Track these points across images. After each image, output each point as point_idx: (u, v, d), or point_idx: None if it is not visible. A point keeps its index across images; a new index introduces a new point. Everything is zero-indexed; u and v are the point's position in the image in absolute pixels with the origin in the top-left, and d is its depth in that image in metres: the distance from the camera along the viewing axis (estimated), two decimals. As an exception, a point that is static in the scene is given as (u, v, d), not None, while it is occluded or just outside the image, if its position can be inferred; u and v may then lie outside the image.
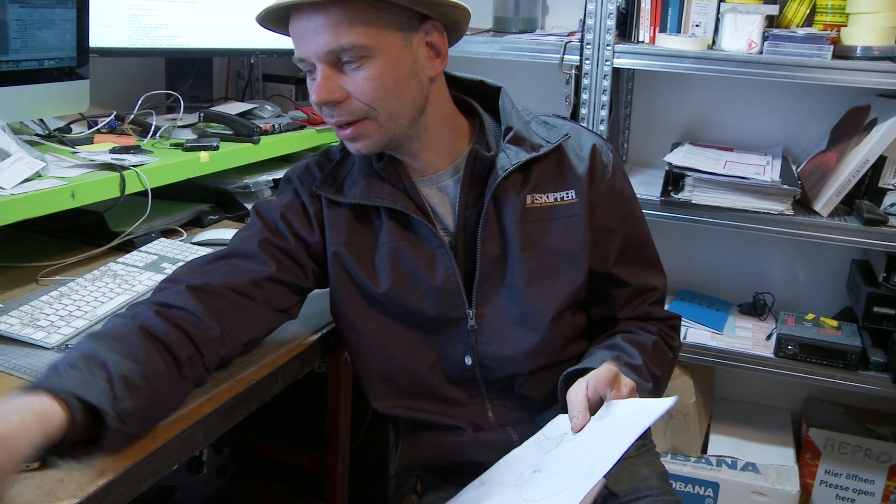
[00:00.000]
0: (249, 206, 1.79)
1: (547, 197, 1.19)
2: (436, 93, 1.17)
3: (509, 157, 1.17)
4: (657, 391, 1.19)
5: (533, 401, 1.25)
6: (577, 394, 1.03)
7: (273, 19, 1.12)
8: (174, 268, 1.45)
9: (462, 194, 1.19)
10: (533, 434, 1.12)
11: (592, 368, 1.08)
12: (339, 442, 1.65)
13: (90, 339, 0.99)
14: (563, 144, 1.21)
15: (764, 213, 1.96)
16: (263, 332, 1.20)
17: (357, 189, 1.20)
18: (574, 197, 1.20)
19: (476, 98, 1.26)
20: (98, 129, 1.70)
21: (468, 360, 1.22)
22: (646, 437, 1.43)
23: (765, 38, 1.94)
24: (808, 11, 2.09)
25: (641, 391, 1.09)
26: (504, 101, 1.24)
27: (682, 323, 2.19)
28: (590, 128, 2.05)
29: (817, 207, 1.98)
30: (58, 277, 1.45)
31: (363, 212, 1.22)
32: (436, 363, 1.24)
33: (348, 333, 1.26)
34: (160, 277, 1.40)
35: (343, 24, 1.04)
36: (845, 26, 1.96)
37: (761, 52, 1.94)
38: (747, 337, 2.17)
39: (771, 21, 2.06)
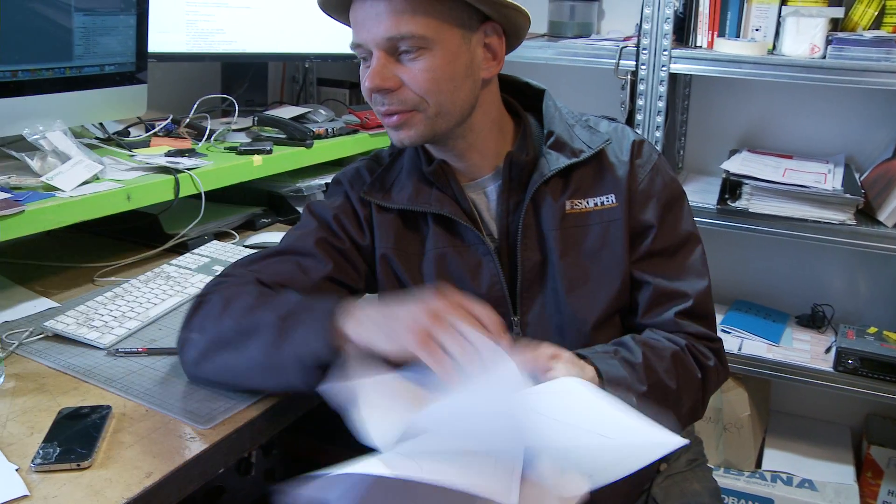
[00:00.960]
0: (302, 210, 1.81)
1: (587, 202, 1.17)
2: (487, 95, 1.15)
3: (549, 163, 1.15)
4: (660, 403, 1.04)
5: None
6: (543, 351, 0.96)
7: (334, 5, 1.12)
8: (226, 271, 1.47)
9: (502, 200, 1.17)
10: None
11: (582, 356, 1.02)
12: (386, 447, 1.64)
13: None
14: (605, 149, 1.18)
15: (824, 222, 1.90)
16: None
17: (405, 194, 1.19)
18: (614, 201, 1.17)
19: (521, 99, 1.24)
20: (155, 133, 1.73)
21: None
22: (697, 451, 1.39)
23: (828, 41, 1.88)
24: (875, 13, 2.01)
25: (618, 388, 0.99)
26: (548, 104, 1.21)
27: (737, 333, 2.17)
28: (643, 133, 2.01)
29: (881, 217, 1.91)
30: (113, 278, 1.48)
31: (411, 217, 1.21)
32: None
33: None
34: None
35: (406, 13, 1.03)
36: (916, 29, 1.90)
37: (824, 57, 1.88)
38: (805, 350, 2.11)
39: (835, 24, 2.00)
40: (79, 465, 0.92)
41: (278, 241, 1.57)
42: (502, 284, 1.17)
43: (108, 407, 1.03)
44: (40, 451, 0.94)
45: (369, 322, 0.95)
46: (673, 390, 1.07)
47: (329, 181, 1.88)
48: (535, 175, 1.16)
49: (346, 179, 1.26)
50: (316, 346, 0.96)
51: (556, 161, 1.15)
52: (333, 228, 1.21)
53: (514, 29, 1.14)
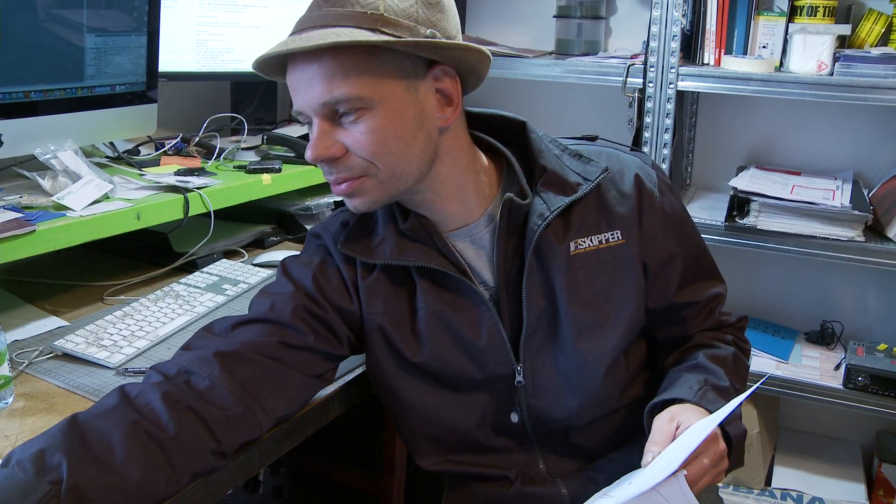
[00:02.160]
0: (310, 228, 1.82)
1: (591, 240, 1.10)
2: (451, 143, 1.06)
3: (547, 203, 1.08)
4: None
5: (588, 449, 1.19)
6: (665, 426, 1.01)
7: (272, 68, 1.03)
8: (235, 289, 1.48)
9: (500, 246, 1.10)
10: (584, 487, 1.09)
11: (681, 399, 1.04)
12: (395, 465, 1.64)
13: (68, 423, 0.89)
14: (602, 180, 1.11)
15: (833, 239, 1.90)
16: (299, 403, 1.09)
17: (386, 248, 1.10)
18: (621, 237, 1.11)
19: (496, 134, 1.15)
20: (164, 151, 1.74)
21: (514, 417, 1.15)
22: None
23: (836, 59, 1.88)
24: (882, 30, 2.02)
25: (731, 422, 1.04)
26: (532, 137, 1.13)
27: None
28: (651, 151, 2.01)
29: (891, 234, 1.91)
30: (122, 297, 1.48)
31: (396, 273, 1.12)
32: (483, 420, 1.16)
33: (390, 400, 1.18)
34: (221, 299, 1.43)
35: (337, 75, 0.95)
36: (922, 46, 1.90)
37: (832, 74, 1.89)
38: (814, 367, 2.10)
39: (842, 41, 2.01)
40: None
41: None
42: (502, 333, 1.11)
43: None
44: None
45: None
46: (739, 390, 1.13)
47: (338, 199, 1.90)
48: (533, 218, 1.08)
49: (329, 235, 1.15)
50: None
51: (554, 200, 1.08)
52: (312, 294, 1.09)
53: (468, 68, 1.04)
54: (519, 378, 1.13)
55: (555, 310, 1.11)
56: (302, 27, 0.99)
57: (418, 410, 1.16)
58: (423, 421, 1.17)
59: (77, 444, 0.86)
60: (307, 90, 0.97)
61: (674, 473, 0.92)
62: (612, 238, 1.11)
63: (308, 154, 1.00)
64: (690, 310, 1.19)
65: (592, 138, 1.23)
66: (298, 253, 1.19)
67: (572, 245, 1.09)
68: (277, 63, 1.02)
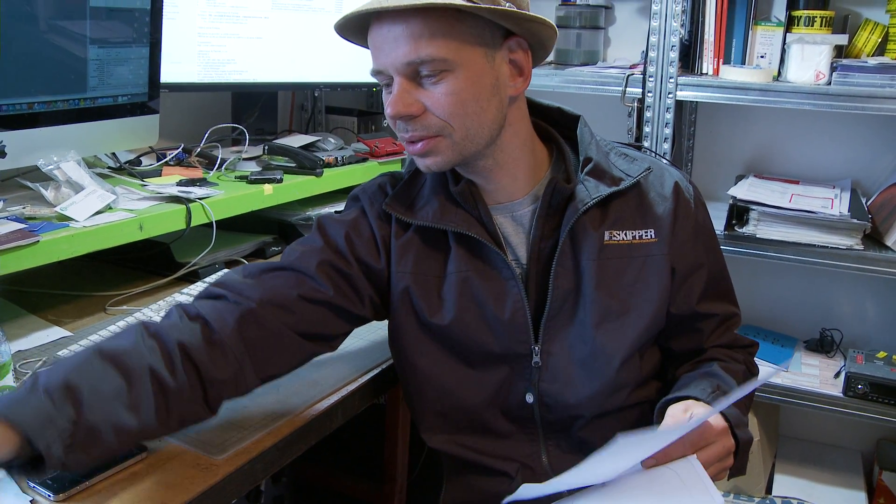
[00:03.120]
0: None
1: (626, 234, 1.14)
2: (516, 114, 1.13)
3: (588, 191, 1.13)
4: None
5: (590, 446, 1.19)
6: (679, 414, 1.04)
7: (351, 29, 1.09)
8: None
9: (538, 225, 1.14)
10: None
11: (694, 397, 1.07)
12: (396, 474, 1.64)
13: (91, 356, 0.94)
14: (643, 179, 1.17)
15: (832, 247, 1.90)
16: (292, 366, 1.13)
17: (429, 211, 1.15)
18: (654, 237, 1.15)
19: (553, 126, 1.23)
20: (166, 162, 1.75)
21: (529, 398, 1.18)
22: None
23: (833, 68, 1.89)
24: (879, 40, 2.04)
25: (740, 426, 1.07)
26: (583, 130, 1.19)
27: (746, 359, 2.17)
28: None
29: (889, 242, 1.91)
30: (125, 307, 1.49)
31: (432, 236, 1.17)
32: (494, 399, 1.19)
33: (405, 367, 1.22)
34: (223, 309, 1.43)
35: (424, 36, 1.01)
36: (919, 56, 1.91)
37: (829, 84, 1.90)
38: (814, 374, 2.10)
39: (839, 51, 2.02)
40: (49, 497, 0.94)
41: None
42: (526, 311, 1.14)
43: (144, 447, 1.02)
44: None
45: None
46: (745, 406, 1.17)
47: (339, 209, 1.90)
48: (573, 202, 1.13)
49: (366, 196, 1.21)
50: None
51: (596, 189, 1.13)
52: (341, 249, 1.15)
53: (538, 42, 1.11)
54: (536, 359, 1.16)
55: (579, 294, 1.15)
56: None
57: (431, 380, 1.19)
58: (434, 392, 1.20)
59: (97, 383, 0.91)
60: (392, 49, 1.02)
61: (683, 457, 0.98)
62: (646, 236, 1.15)
63: (388, 110, 1.05)
64: (709, 322, 1.22)
65: (638, 147, 1.28)
66: (335, 214, 1.24)
67: (606, 234, 1.14)
68: (358, 24, 1.07)
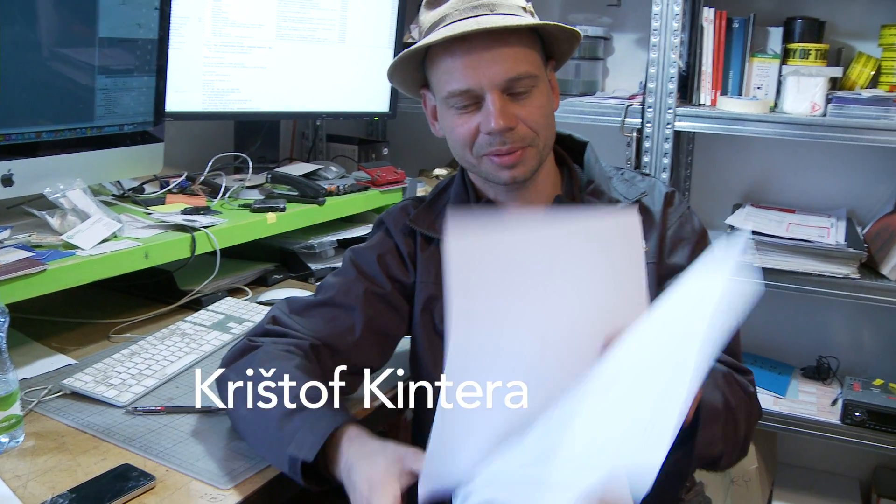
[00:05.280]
0: (314, 267, 1.84)
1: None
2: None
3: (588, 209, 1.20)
4: (725, 422, 1.06)
5: None
6: None
7: (409, 60, 1.16)
8: (241, 327, 1.49)
9: None
10: None
11: None
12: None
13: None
14: (640, 200, 1.23)
15: (829, 276, 1.92)
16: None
17: None
18: (645, 246, 1.19)
19: (565, 150, 1.30)
20: (170, 190, 1.76)
21: None
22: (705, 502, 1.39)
23: (828, 100, 1.93)
24: (872, 73, 2.07)
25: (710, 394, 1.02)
26: (589, 155, 1.27)
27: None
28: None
29: (885, 271, 1.94)
30: (129, 335, 1.49)
31: None
32: None
33: (423, 375, 1.26)
34: (227, 337, 1.45)
35: (521, 53, 1.10)
36: (912, 88, 1.95)
37: (825, 115, 1.93)
38: (811, 402, 2.11)
39: (834, 83, 2.05)
40: None
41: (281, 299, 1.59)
42: None
43: (153, 478, 1.02)
44: (48, 500, 0.96)
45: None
46: (732, 408, 1.08)
47: (341, 237, 1.93)
48: None
49: (390, 218, 1.29)
50: (308, 447, 0.95)
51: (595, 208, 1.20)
52: (375, 275, 1.23)
53: (560, 66, 1.23)
54: None
55: None
56: (465, 16, 1.11)
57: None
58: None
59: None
60: (490, 67, 1.09)
61: None
62: None
63: (493, 124, 1.10)
64: None
65: (646, 174, 1.34)
66: (363, 244, 1.31)
67: None
68: (417, 59, 1.16)
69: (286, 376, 1.04)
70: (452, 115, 1.15)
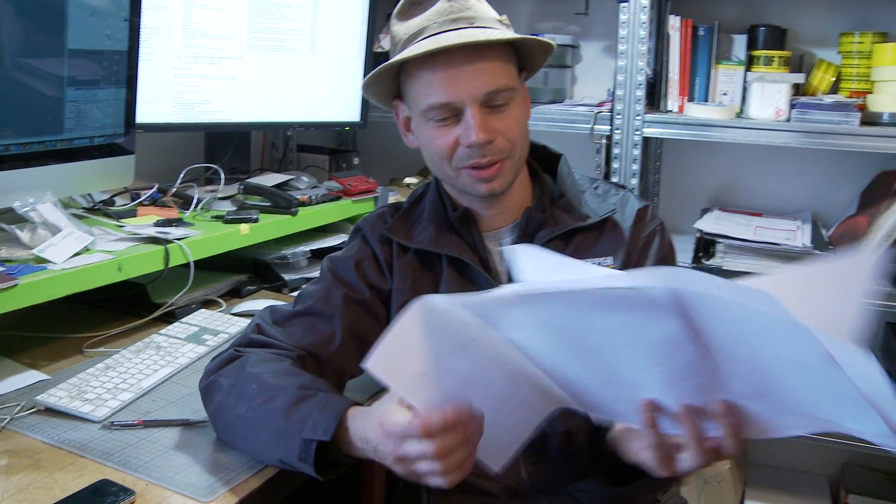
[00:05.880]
0: (287, 277, 1.83)
1: (585, 262, 1.20)
2: None
3: (557, 222, 1.21)
4: None
5: (567, 466, 1.22)
6: None
7: (387, 74, 1.16)
8: (215, 339, 1.48)
9: None
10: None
11: None
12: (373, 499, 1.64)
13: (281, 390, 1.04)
14: (609, 216, 1.24)
15: (796, 278, 1.96)
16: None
17: (426, 235, 1.24)
18: (611, 263, 1.21)
19: (538, 162, 1.31)
20: (141, 202, 1.74)
21: None
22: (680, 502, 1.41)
23: (792, 105, 1.97)
24: (833, 79, 2.12)
25: None
26: (562, 168, 1.28)
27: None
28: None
29: (850, 273, 1.97)
30: (102, 349, 1.48)
31: (427, 258, 1.24)
32: None
33: None
34: (202, 349, 1.44)
35: (499, 67, 1.11)
36: (871, 93, 1.99)
37: (789, 120, 1.97)
38: (782, 402, 2.14)
39: (797, 89, 2.10)
40: None
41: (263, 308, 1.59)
42: None
43: (132, 492, 1.01)
44: None
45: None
46: None
47: (314, 248, 1.92)
48: (542, 232, 1.21)
49: (367, 225, 1.30)
50: (323, 428, 0.97)
51: (564, 222, 1.21)
52: (353, 282, 1.23)
53: (531, 76, 1.24)
54: None
55: None
56: (444, 29, 1.11)
57: None
58: None
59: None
60: (470, 81, 1.10)
61: None
62: (604, 263, 1.22)
63: (474, 137, 1.11)
64: None
65: (622, 186, 1.35)
66: (340, 251, 1.32)
67: None
68: (392, 68, 1.15)
69: (283, 373, 1.06)
70: (431, 128, 1.16)
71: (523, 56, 1.20)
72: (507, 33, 1.13)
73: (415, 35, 1.14)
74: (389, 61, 1.15)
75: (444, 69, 1.11)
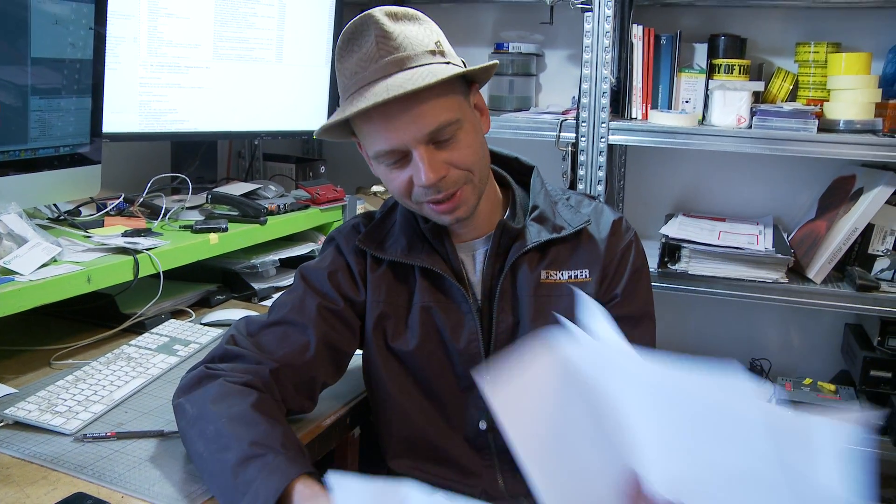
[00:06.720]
0: (256, 286, 1.82)
1: (561, 274, 1.23)
2: (486, 152, 1.22)
3: (531, 234, 1.22)
4: None
5: None
6: None
7: (336, 130, 1.16)
8: (187, 350, 1.47)
9: (489, 263, 1.23)
10: None
11: None
12: None
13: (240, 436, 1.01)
14: (583, 227, 1.25)
15: (759, 281, 2.00)
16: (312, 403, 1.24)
17: (399, 247, 1.24)
18: (588, 276, 1.23)
19: (511, 174, 1.32)
20: (108, 212, 1.72)
21: (482, 425, 1.24)
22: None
23: (753, 113, 2.01)
24: (791, 87, 2.17)
25: None
26: (535, 180, 1.29)
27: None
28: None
29: (811, 275, 2.03)
30: (71, 361, 1.45)
31: (401, 270, 1.25)
32: (453, 428, 1.26)
33: (376, 392, 1.29)
34: (174, 360, 1.42)
35: (438, 105, 1.09)
36: (827, 101, 2.05)
37: (750, 127, 2.01)
38: (747, 404, 2.18)
39: (757, 97, 2.15)
40: None
41: (234, 318, 1.58)
42: (479, 342, 1.22)
43: None
44: None
45: None
46: None
47: (282, 257, 1.92)
48: (517, 244, 1.22)
49: (341, 236, 1.30)
50: (262, 500, 0.93)
51: (538, 234, 1.22)
52: (327, 291, 1.23)
53: (483, 85, 1.23)
54: None
55: (520, 326, 1.22)
56: (375, 78, 1.09)
57: (397, 406, 1.26)
58: (400, 419, 1.26)
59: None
60: (410, 125, 1.09)
61: None
62: (581, 275, 1.23)
63: (424, 179, 1.10)
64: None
65: (593, 197, 1.36)
66: (313, 261, 1.32)
67: (543, 273, 1.22)
68: (341, 124, 1.15)
69: (242, 418, 1.03)
70: (384, 171, 1.16)
71: (470, 74, 1.17)
72: (439, 70, 1.09)
73: (350, 82, 1.12)
74: (331, 120, 1.14)
75: (382, 121, 1.10)
